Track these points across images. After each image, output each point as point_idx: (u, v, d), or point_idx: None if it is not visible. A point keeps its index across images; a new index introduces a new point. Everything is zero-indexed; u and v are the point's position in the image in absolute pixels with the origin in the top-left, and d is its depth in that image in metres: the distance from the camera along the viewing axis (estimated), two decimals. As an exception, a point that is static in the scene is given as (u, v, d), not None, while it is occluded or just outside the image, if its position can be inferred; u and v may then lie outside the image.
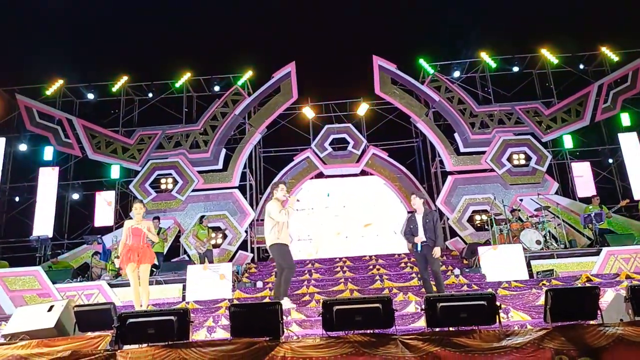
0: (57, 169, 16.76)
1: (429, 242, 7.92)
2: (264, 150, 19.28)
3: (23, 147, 17.46)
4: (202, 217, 14.02)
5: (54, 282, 11.30)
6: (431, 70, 17.38)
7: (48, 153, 17.07)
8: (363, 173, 18.21)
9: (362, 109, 18.44)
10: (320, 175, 18.18)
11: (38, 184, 16.34)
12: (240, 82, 17.62)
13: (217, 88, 18.17)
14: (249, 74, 17.70)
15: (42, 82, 17.72)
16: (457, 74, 17.84)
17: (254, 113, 17.75)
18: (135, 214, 7.97)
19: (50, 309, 5.73)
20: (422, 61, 17.59)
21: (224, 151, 16.89)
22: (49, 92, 17.66)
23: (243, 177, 16.82)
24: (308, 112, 18.46)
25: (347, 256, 14.61)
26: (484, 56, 17.58)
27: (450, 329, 4.77)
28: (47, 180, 16.40)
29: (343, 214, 17.82)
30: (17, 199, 17.25)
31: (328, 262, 13.97)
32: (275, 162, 18.89)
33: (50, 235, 15.11)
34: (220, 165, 16.76)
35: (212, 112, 17.23)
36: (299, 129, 18.99)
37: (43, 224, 15.63)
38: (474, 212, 16.16)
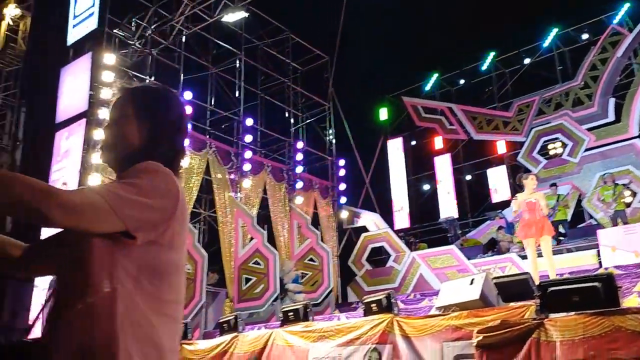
0: (448, 155, 18.15)
1: None
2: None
3: (417, 142, 19.59)
4: (603, 175, 12.81)
5: (468, 258, 12.23)
6: None
7: (438, 142, 18.68)
8: None
9: None
10: None
11: (435, 172, 18.04)
12: (616, 20, 15.48)
13: (585, 36, 16.46)
14: (625, 6, 15.38)
15: (419, 80, 19.54)
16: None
17: (641, 50, 15.34)
18: (526, 187, 7.77)
19: (471, 282, 6.21)
20: None
21: (612, 101, 15.11)
22: (427, 88, 19.35)
23: (643, 124, 14.66)
24: None
25: None
26: None
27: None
28: (443, 167, 17.95)
29: None
30: (424, 187, 19.38)
31: None
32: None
33: (456, 216, 16.44)
34: (611, 117, 15.05)
35: (589, 61, 15.68)
36: None
37: (447, 206, 17.15)
38: None
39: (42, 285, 9.58)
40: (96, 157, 10.07)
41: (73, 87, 11.09)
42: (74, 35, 11.82)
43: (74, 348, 1.33)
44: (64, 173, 10.51)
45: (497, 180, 17.06)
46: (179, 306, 1.51)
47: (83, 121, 10.54)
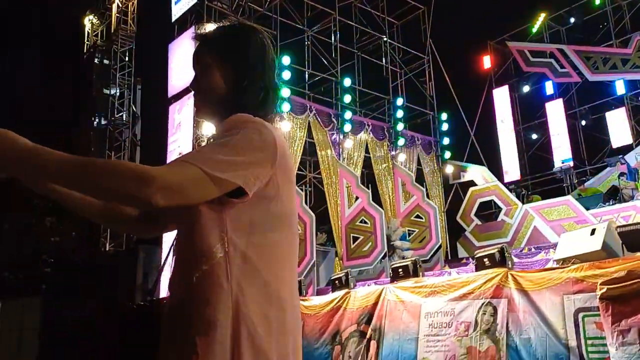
0: (560, 100, 17.00)
1: None
2: None
3: (525, 89, 18.49)
4: None
5: (587, 208, 11.52)
6: None
7: (548, 88, 17.55)
8: None
9: None
10: None
11: (547, 119, 17.00)
12: None
13: None
14: None
15: (524, 23, 18.27)
16: None
17: None
18: None
19: (592, 233, 5.87)
20: None
21: None
22: (534, 30, 18.07)
23: None
24: None
25: None
26: None
27: None
28: (555, 113, 16.89)
29: None
30: (533, 136, 18.37)
31: None
32: None
33: (572, 165, 15.47)
34: None
35: None
36: None
37: (561, 155, 16.19)
38: None
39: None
40: (205, 127, 10.60)
41: (181, 62, 11.68)
42: (176, 11, 12.38)
43: (195, 317, 1.33)
44: (180, 144, 11.21)
45: (617, 123, 15.77)
46: (293, 258, 1.49)
47: (191, 94, 11.07)
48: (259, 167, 1.36)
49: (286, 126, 11.90)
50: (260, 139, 1.38)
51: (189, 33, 11.61)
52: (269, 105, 1.54)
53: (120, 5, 15.91)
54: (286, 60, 12.25)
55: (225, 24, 1.60)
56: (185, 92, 11.30)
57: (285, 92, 11.98)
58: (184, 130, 11.18)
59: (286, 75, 12.10)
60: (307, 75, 13.86)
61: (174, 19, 12.41)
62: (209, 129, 10.59)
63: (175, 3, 12.50)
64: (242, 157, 1.34)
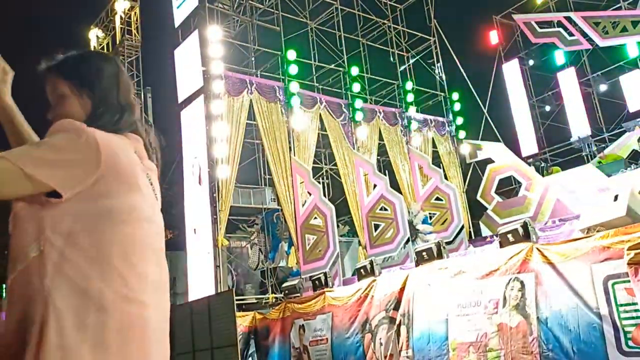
0: (572, 68, 16.74)
1: None
2: None
3: (535, 61, 18.23)
4: None
5: (608, 176, 11.36)
6: None
7: (559, 57, 17.27)
8: None
9: None
10: None
11: (560, 89, 16.75)
12: None
13: None
14: None
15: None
16: None
17: None
18: None
19: (615, 199, 5.80)
20: None
21: None
22: (539, 1, 17.78)
23: None
24: None
25: None
26: None
27: None
28: (568, 82, 16.65)
29: None
30: (548, 108, 18.11)
31: None
32: None
33: (589, 133, 15.26)
34: None
35: None
36: None
37: (578, 124, 15.97)
38: None
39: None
40: (217, 129, 10.66)
41: (187, 66, 11.75)
42: (179, 16, 12.42)
43: (17, 315, 1.34)
44: (194, 148, 11.29)
45: (633, 86, 15.47)
46: (142, 255, 1.47)
47: (201, 97, 11.16)
48: (76, 168, 1.38)
49: (298, 120, 11.92)
50: (80, 141, 1.39)
51: (193, 37, 11.68)
52: (123, 124, 1.58)
53: (124, 16, 16.03)
54: (292, 55, 12.25)
55: (78, 53, 1.64)
56: (195, 95, 11.37)
57: (294, 86, 11.99)
58: (197, 133, 11.25)
59: (293, 70, 12.10)
60: (314, 68, 13.84)
61: (177, 24, 12.46)
62: (220, 131, 10.67)
63: (177, 7, 12.54)
64: (57, 156, 1.36)
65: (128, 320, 1.38)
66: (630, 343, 4.48)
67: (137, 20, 15.95)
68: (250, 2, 12.84)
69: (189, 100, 11.58)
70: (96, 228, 1.39)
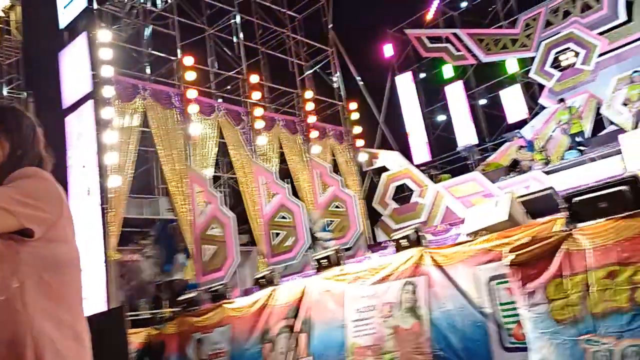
0: (459, 82, 17.83)
1: None
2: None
3: (426, 74, 19.25)
4: (632, 74, 12.24)
5: (492, 182, 12.20)
6: None
7: (447, 71, 18.32)
8: None
9: None
10: None
11: (448, 101, 17.80)
12: None
13: None
14: None
15: (419, 10, 18.96)
16: None
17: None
18: None
19: (497, 204, 6.21)
20: None
21: (622, 0, 14.51)
22: (429, 17, 18.80)
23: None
24: None
25: None
26: None
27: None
28: (455, 95, 17.69)
29: None
30: (438, 118, 19.15)
31: None
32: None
33: (475, 142, 16.31)
34: (622, 18, 14.49)
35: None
36: None
37: (464, 134, 17.00)
38: None
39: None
40: (108, 136, 10.12)
41: (74, 70, 11.04)
42: (65, 17, 11.67)
43: (3, 342, 1.45)
44: (82, 156, 10.61)
45: (512, 100, 16.78)
46: (81, 297, 1.66)
47: (90, 102, 10.54)
48: (45, 213, 1.54)
49: (196, 128, 11.64)
50: (52, 189, 1.61)
51: (82, 39, 11.01)
52: (44, 169, 1.74)
53: (3, 15, 14.78)
54: (188, 60, 11.94)
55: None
56: (83, 100, 10.71)
57: (191, 93, 11.68)
58: (86, 140, 10.59)
59: (190, 76, 11.80)
60: (212, 75, 13.60)
61: (63, 25, 11.68)
62: (112, 138, 10.14)
63: (64, 8, 11.76)
64: (31, 200, 1.52)
65: (88, 354, 1.61)
66: (512, 339, 4.80)
67: (17, 19, 14.77)
68: (144, 5, 12.37)
69: (76, 105, 10.87)
70: (59, 269, 1.57)
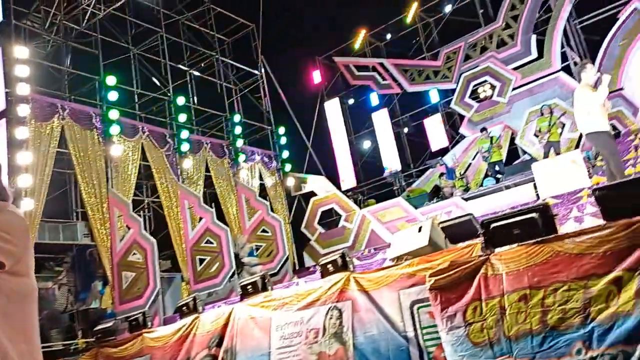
0: (385, 109, 18.38)
1: None
2: (580, 21, 16.92)
3: (354, 101, 19.70)
4: (542, 107, 13.06)
5: (415, 208, 12.55)
6: None
7: (374, 99, 18.87)
8: None
9: None
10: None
11: (375, 127, 18.26)
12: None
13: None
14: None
15: (348, 39, 19.49)
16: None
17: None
18: None
19: (419, 230, 6.38)
20: None
21: (534, 38, 15.61)
22: (357, 46, 19.34)
23: (564, 57, 15.24)
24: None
25: None
26: None
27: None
28: (381, 122, 18.19)
29: None
30: (365, 144, 19.57)
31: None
32: (597, 28, 16.40)
33: (399, 169, 16.78)
34: (534, 54, 15.56)
35: (508, 2, 16.08)
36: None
37: (390, 160, 17.46)
38: None
39: None
40: (22, 157, 9.56)
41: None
42: (-23, 30, 11.00)
43: None
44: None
45: (434, 128, 17.47)
46: (35, 329, 1.72)
47: (3, 121, 9.93)
48: (15, 246, 1.58)
49: (117, 149, 11.23)
50: (17, 223, 1.64)
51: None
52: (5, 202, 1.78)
53: None
54: (111, 80, 11.57)
55: None
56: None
57: (113, 113, 11.29)
58: (-3, 160, 9.95)
59: (112, 96, 11.41)
60: (136, 96, 13.24)
61: (-26, 38, 11.00)
62: (26, 159, 9.58)
63: (-24, 21, 11.10)
64: (4, 234, 1.56)
65: None
66: (432, 362, 4.89)
67: None
68: (65, 22, 11.91)
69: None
70: (21, 301, 1.62)
